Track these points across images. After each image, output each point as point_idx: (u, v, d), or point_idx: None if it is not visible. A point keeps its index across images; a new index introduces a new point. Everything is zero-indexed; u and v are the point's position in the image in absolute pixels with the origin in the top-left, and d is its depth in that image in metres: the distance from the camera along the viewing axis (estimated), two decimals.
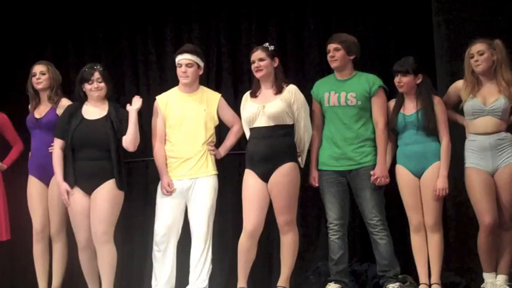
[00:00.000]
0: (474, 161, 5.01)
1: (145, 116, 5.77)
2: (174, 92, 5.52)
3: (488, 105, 5.00)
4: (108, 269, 5.24)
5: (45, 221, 5.55)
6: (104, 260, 5.23)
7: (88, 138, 5.24)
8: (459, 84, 5.15)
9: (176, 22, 6.57)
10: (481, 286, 5.06)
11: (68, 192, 5.24)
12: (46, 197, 5.55)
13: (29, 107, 5.71)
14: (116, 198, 5.23)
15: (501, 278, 5.01)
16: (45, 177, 5.54)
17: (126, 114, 5.31)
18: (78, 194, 5.23)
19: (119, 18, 6.68)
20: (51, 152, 5.45)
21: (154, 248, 5.36)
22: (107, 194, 5.20)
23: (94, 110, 5.34)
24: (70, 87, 5.82)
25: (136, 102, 5.38)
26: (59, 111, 5.54)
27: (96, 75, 5.33)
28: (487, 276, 5.02)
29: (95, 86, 5.33)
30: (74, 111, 5.34)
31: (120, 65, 6.64)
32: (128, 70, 6.62)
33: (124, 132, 5.28)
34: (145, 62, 6.61)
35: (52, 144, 5.44)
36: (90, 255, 5.30)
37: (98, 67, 5.38)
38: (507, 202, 4.98)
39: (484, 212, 4.95)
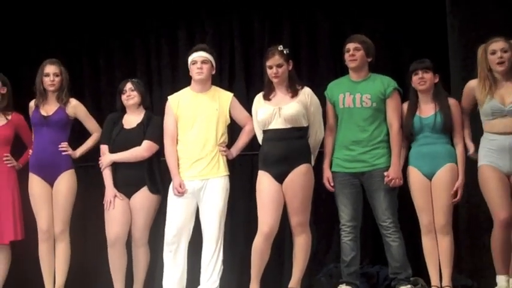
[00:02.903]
0: (490, 160, 4.90)
1: (160, 116, 5.76)
2: (186, 91, 5.53)
3: (507, 105, 4.87)
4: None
5: (51, 220, 5.56)
6: (140, 262, 5.55)
7: (125, 146, 5.51)
8: (473, 83, 5.04)
9: (189, 23, 6.58)
10: None
11: (115, 196, 5.46)
12: (50, 196, 5.57)
13: (31, 103, 5.69)
14: (150, 204, 5.50)
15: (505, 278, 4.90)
16: (50, 175, 5.57)
17: (156, 121, 5.56)
18: (117, 199, 5.49)
19: (131, 19, 6.70)
20: (60, 150, 5.56)
21: (165, 248, 5.36)
22: (141, 201, 5.47)
23: (131, 120, 5.62)
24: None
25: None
26: (69, 111, 5.65)
27: (128, 85, 5.62)
28: (500, 280, 4.94)
29: (127, 95, 5.58)
30: (117, 120, 5.64)
31: (134, 66, 6.65)
32: (140, 71, 6.63)
33: (146, 137, 5.52)
34: (158, 63, 6.62)
35: (61, 142, 5.58)
36: (117, 253, 5.46)
37: (132, 79, 5.69)
38: None
39: (499, 207, 4.84)
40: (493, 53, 4.91)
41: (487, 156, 4.92)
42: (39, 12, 6.72)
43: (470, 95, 5.08)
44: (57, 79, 5.63)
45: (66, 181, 5.59)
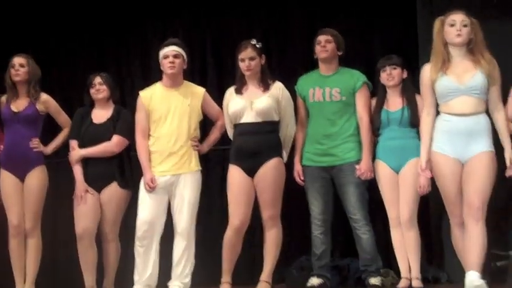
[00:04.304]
0: (442, 146, 4.50)
1: (129, 110, 5.76)
2: (157, 87, 5.50)
3: (464, 83, 4.46)
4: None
5: (22, 215, 5.54)
6: (110, 256, 5.55)
7: (94, 141, 5.48)
8: (427, 67, 4.60)
9: (160, 16, 6.57)
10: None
11: (86, 191, 5.44)
12: (21, 191, 5.53)
13: (2, 98, 5.65)
14: (120, 199, 5.49)
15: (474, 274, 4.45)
16: (21, 171, 5.53)
17: (126, 115, 5.55)
18: (87, 193, 5.47)
19: (102, 13, 6.68)
20: (31, 147, 5.52)
21: (137, 243, 5.34)
22: (111, 195, 5.47)
23: (101, 114, 5.59)
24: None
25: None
26: (40, 106, 5.59)
27: (97, 79, 5.58)
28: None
29: (96, 89, 5.54)
30: (85, 114, 5.60)
31: (104, 61, 6.63)
32: (111, 66, 6.61)
33: (116, 132, 5.49)
34: (128, 59, 6.61)
35: (32, 138, 5.54)
36: (86, 247, 5.43)
37: (101, 73, 5.63)
38: (479, 189, 4.41)
39: (454, 205, 4.53)
40: (452, 24, 4.49)
41: (440, 141, 4.52)
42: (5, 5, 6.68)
43: (428, 80, 4.58)
44: (22, 69, 5.58)
45: (37, 177, 5.56)
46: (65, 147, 5.70)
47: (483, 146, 4.45)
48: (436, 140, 4.53)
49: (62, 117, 5.74)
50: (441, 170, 4.52)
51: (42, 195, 5.59)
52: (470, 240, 4.39)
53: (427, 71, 4.57)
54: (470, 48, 4.51)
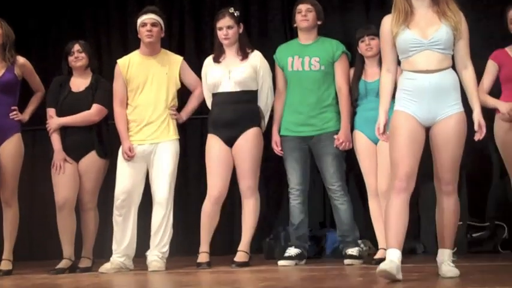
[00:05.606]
0: (405, 104, 4.01)
1: (109, 79, 5.70)
2: (135, 55, 5.46)
3: (428, 37, 4.00)
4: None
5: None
6: (88, 226, 5.48)
7: (73, 109, 5.43)
8: (387, 19, 4.12)
9: None
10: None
11: (64, 160, 5.39)
12: None
13: None
14: (98, 168, 5.45)
15: (447, 253, 4.12)
16: None
17: (104, 84, 5.49)
18: (66, 163, 5.41)
19: None
20: (8, 115, 5.40)
21: (115, 212, 5.33)
22: (90, 164, 5.42)
23: (79, 82, 5.52)
24: None
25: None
26: (17, 70, 5.48)
27: (76, 47, 5.50)
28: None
29: (75, 57, 5.47)
30: (63, 82, 5.52)
31: (82, 30, 6.55)
32: (89, 35, 6.54)
33: (95, 101, 5.44)
34: (107, 26, 6.54)
35: (9, 105, 5.42)
36: (66, 216, 5.41)
37: (80, 41, 5.55)
38: (450, 161, 4.02)
39: (401, 166, 3.94)
40: None
41: (402, 100, 4.04)
42: None
43: (388, 33, 4.09)
44: None
45: (13, 146, 5.45)
46: (42, 115, 5.63)
47: (452, 107, 3.99)
48: (398, 100, 4.05)
49: (36, 81, 5.65)
50: (399, 126, 3.98)
51: (19, 164, 5.50)
52: (443, 216, 4.08)
53: (387, 24, 4.08)
54: None
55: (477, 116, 4.05)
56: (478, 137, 4.06)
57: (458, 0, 4.05)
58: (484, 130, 4.04)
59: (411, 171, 3.94)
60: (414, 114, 3.98)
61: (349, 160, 5.35)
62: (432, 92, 3.98)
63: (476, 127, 4.04)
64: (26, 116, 5.57)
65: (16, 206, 5.50)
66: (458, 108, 4.02)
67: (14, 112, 5.46)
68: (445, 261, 4.06)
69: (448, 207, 4.06)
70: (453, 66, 4.06)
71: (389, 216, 3.95)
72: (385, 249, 4.93)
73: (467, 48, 4.09)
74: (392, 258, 3.84)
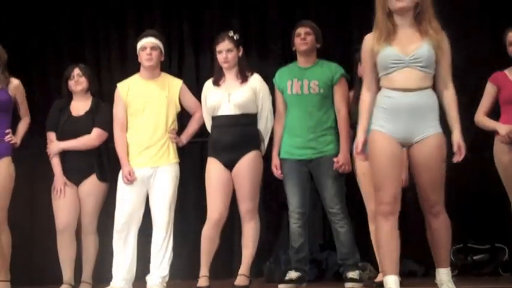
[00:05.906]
0: (383, 124, 3.96)
1: (108, 103, 5.72)
2: (135, 78, 5.47)
3: (409, 54, 3.94)
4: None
5: None
6: (88, 249, 5.53)
7: (73, 134, 5.47)
8: (369, 37, 4.07)
9: (137, 7, 6.54)
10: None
11: (65, 185, 5.43)
12: None
13: None
14: (99, 191, 5.50)
15: (445, 273, 4.14)
16: None
17: (104, 108, 5.53)
18: (66, 187, 5.46)
19: (80, 3, 6.63)
20: (6, 139, 5.32)
21: (115, 236, 5.31)
22: (90, 188, 5.48)
23: (79, 106, 5.57)
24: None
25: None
26: (12, 91, 5.41)
27: (76, 71, 5.56)
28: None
29: (75, 81, 5.52)
30: (63, 107, 5.56)
31: (82, 52, 6.58)
32: (89, 57, 6.57)
33: (95, 125, 5.50)
34: (107, 49, 6.57)
35: (3, 127, 5.34)
36: (66, 241, 5.43)
37: (80, 64, 5.60)
38: (432, 182, 3.99)
39: (385, 190, 3.95)
40: None
41: (379, 119, 4.00)
42: None
43: (369, 52, 4.05)
44: None
45: (4, 169, 5.34)
46: (41, 140, 5.62)
47: (431, 128, 3.95)
48: (375, 118, 3.99)
49: (25, 106, 5.58)
50: (378, 149, 3.94)
51: (10, 187, 5.36)
52: (434, 237, 4.06)
53: (368, 42, 4.04)
54: (417, 15, 3.98)
55: (456, 137, 4.02)
56: (457, 158, 4.02)
57: (441, 19, 4.03)
58: (464, 152, 4.01)
59: (396, 194, 3.95)
60: (391, 134, 3.94)
61: (349, 183, 5.33)
62: (408, 111, 3.92)
63: (455, 149, 4.02)
64: (18, 141, 5.49)
65: (7, 230, 5.36)
66: (436, 129, 3.98)
67: (9, 135, 5.38)
68: (445, 283, 4.06)
69: (438, 227, 4.04)
70: (434, 87, 4.02)
71: (381, 244, 3.99)
72: None
73: (449, 68, 4.05)
74: (390, 285, 3.86)
